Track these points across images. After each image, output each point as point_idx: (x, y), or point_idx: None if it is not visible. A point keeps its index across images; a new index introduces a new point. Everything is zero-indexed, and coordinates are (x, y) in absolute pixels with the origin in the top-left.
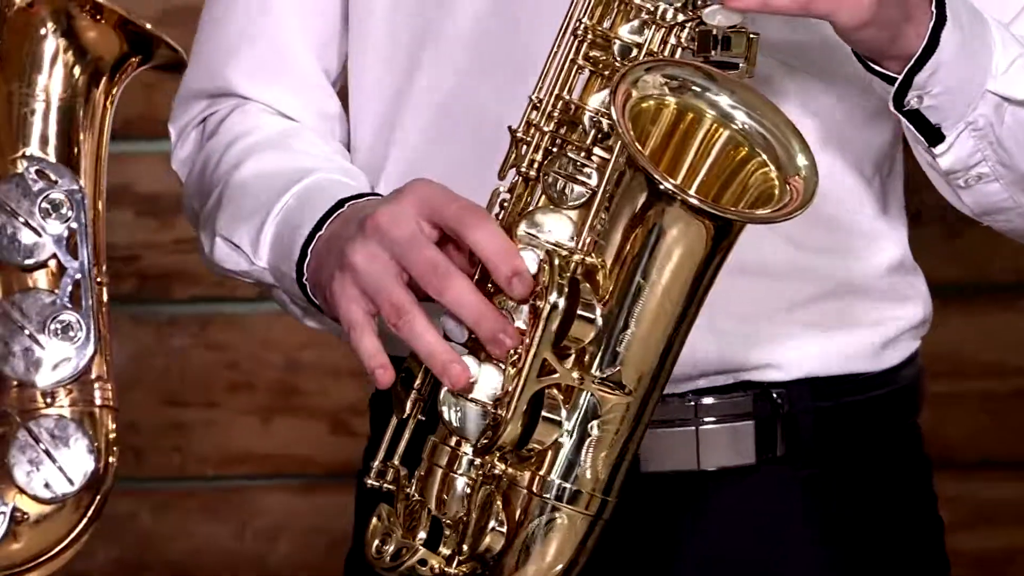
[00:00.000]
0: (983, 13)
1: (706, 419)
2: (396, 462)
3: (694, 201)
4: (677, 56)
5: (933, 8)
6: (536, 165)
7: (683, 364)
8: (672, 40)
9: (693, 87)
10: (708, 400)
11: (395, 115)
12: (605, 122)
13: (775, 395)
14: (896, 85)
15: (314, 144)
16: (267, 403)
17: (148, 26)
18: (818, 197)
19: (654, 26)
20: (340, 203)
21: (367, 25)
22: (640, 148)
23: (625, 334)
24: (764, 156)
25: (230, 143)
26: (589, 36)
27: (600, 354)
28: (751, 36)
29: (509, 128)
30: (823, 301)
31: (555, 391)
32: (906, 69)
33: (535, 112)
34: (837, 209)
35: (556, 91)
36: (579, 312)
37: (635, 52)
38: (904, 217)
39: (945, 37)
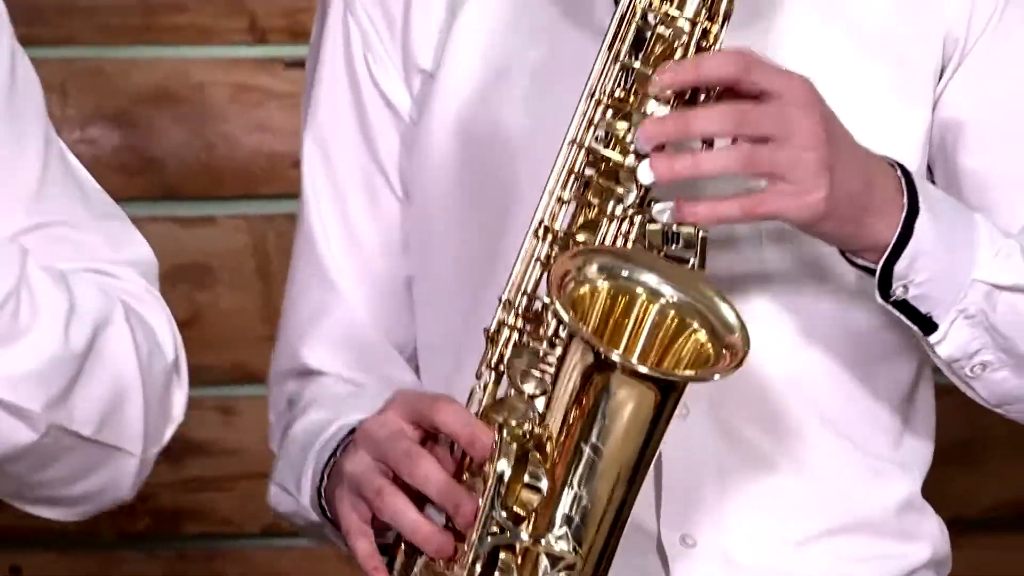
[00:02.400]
0: (968, 209)
1: None
2: None
3: (633, 366)
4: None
5: (905, 200)
6: (502, 360)
7: None
8: (624, 236)
9: (622, 271)
10: None
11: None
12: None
13: None
14: (877, 276)
15: (373, 400)
16: None
17: None
18: (828, 426)
19: (608, 222)
20: (354, 428)
21: (429, 304)
22: (577, 320)
23: (575, 497)
24: (695, 323)
25: (300, 412)
26: (549, 236)
27: (552, 516)
28: (702, 234)
29: (485, 330)
30: (832, 536)
31: (513, 556)
32: (883, 260)
33: (504, 311)
34: (847, 441)
35: (523, 289)
36: (526, 478)
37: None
38: (925, 456)
39: (920, 226)
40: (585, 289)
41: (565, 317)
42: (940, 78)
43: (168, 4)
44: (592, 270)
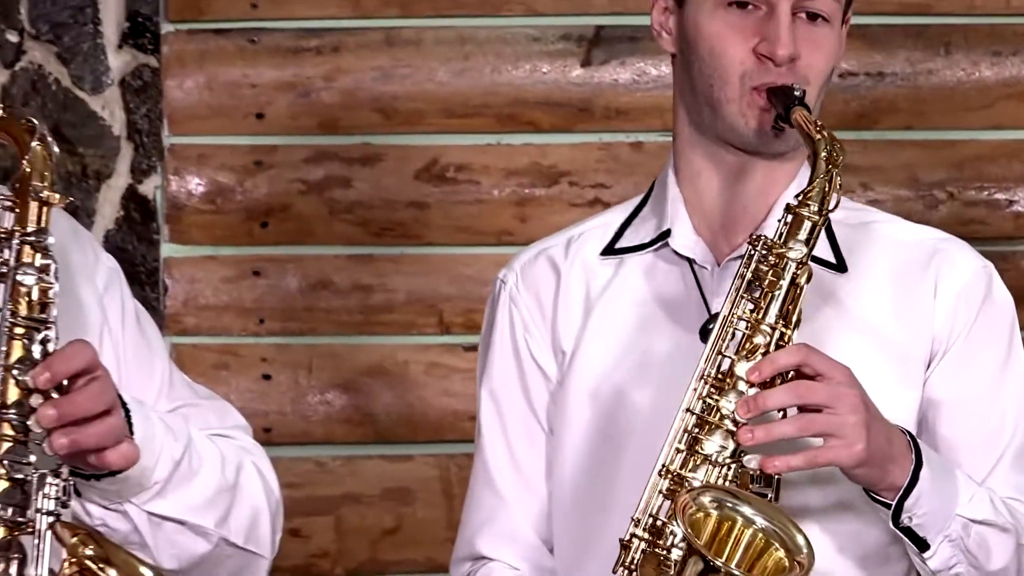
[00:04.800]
0: (949, 463)
1: None
2: None
3: (731, 570)
4: (730, 486)
5: (913, 456)
6: (634, 562)
7: None
8: (723, 476)
9: (728, 503)
10: None
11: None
12: (676, 528)
13: None
14: (892, 509)
15: None
16: None
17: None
18: None
19: (712, 466)
20: None
21: (560, 513)
22: (696, 537)
23: None
24: (776, 544)
25: None
26: (669, 475)
27: None
28: (776, 477)
29: (620, 540)
30: None
31: None
32: (898, 497)
33: (635, 526)
34: None
35: (649, 511)
36: None
37: (696, 484)
38: None
39: (923, 475)
40: (700, 514)
41: (686, 533)
42: (928, 367)
43: (381, 306)
44: (706, 501)
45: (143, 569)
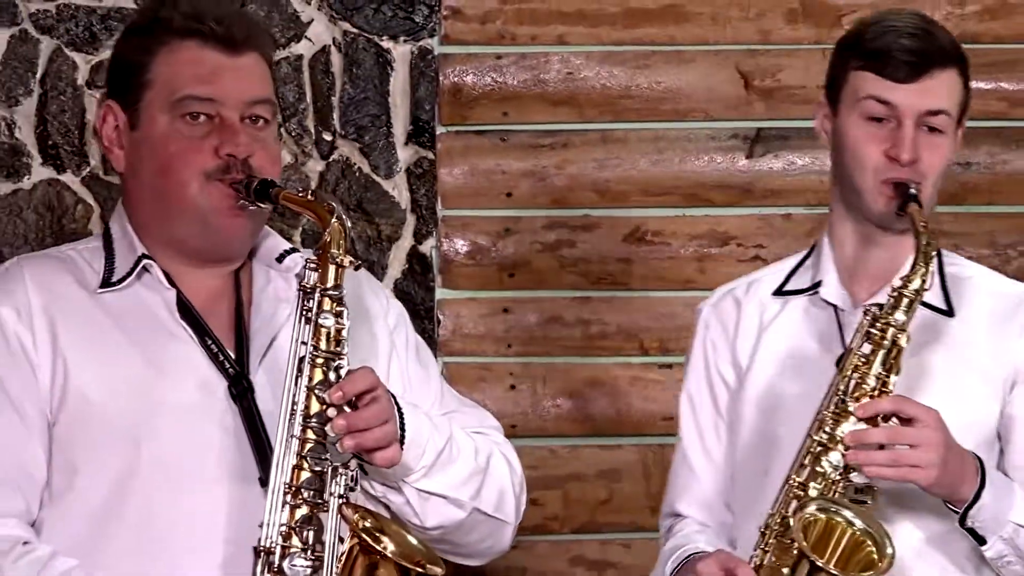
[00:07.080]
0: (1012, 483)
1: None
2: None
3: (829, 569)
4: (836, 496)
5: (979, 478)
6: (768, 546)
7: None
8: (834, 487)
9: (832, 510)
10: None
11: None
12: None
13: None
14: (960, 516)
15: (710, 538)
16: None
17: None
18: None
19: (825, 481)
20: (693, 553)
21: (735, 487)
22: (806, 542)
23: None
24: (871, 544)
25: (671, 536)
26: (796, 488)
27: None
28: (875, 488)
29: (759, 527)
30: None
31: None
32: (964, 508)
33: (771, 518)
34: None
35: (779, 512)
36: None
37: (813, 492)
38: None
39: (985, 493)
40: (810, 519)
41: (797, 539)
42: (1011, 390)
43: (597, 335)
44: (813, 508)
45: (410, 539)
